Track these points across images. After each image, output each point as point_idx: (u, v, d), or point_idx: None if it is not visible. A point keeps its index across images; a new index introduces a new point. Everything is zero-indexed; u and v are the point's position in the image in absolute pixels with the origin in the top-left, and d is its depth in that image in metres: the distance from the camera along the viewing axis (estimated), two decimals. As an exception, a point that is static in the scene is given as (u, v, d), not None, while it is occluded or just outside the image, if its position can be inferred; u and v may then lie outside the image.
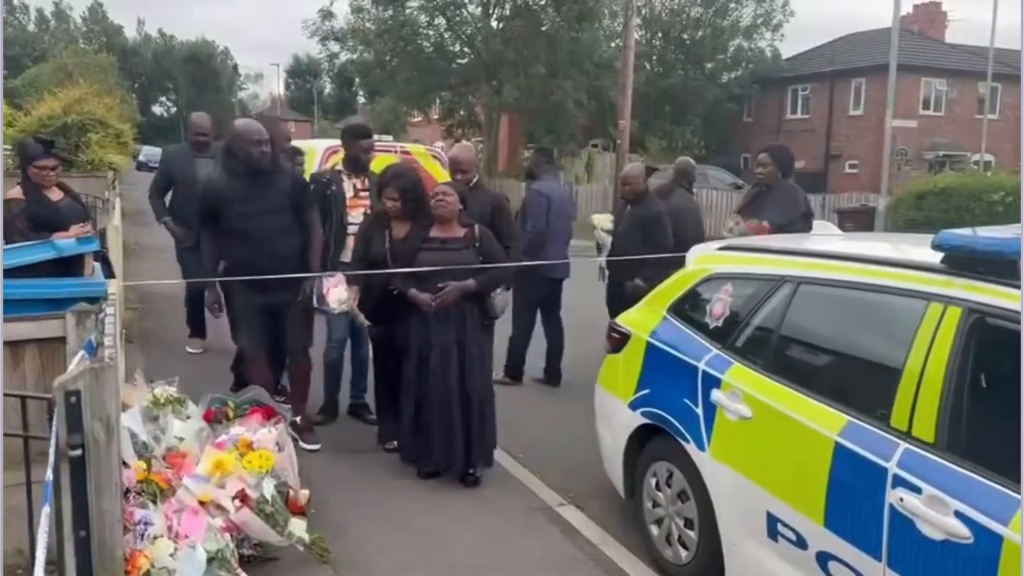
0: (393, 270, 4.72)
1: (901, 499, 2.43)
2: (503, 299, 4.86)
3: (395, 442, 4.83)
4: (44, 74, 34.69)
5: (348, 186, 5.22)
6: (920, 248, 2.87)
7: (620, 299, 6.15)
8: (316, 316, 5.15)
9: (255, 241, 4.65)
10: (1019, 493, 2.16)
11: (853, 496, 2.62)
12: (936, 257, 2.66)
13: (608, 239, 6.41)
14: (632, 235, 6.05)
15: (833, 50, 32.51)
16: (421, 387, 4.50)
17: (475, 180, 5.41)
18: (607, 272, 6.39)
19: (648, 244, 5.90)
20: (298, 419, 4.79)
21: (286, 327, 4.86)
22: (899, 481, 2.46)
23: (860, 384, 2.89)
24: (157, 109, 74.06)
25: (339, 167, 5.40)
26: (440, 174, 7.63)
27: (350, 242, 5.03)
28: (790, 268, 3.31)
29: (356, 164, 5.27)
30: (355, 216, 5.14)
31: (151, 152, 40.24)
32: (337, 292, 4.71)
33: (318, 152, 8.51)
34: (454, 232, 4.60)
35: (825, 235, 3.98)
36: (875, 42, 29.44)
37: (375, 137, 5.80)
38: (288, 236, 4.77)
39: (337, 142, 6.66)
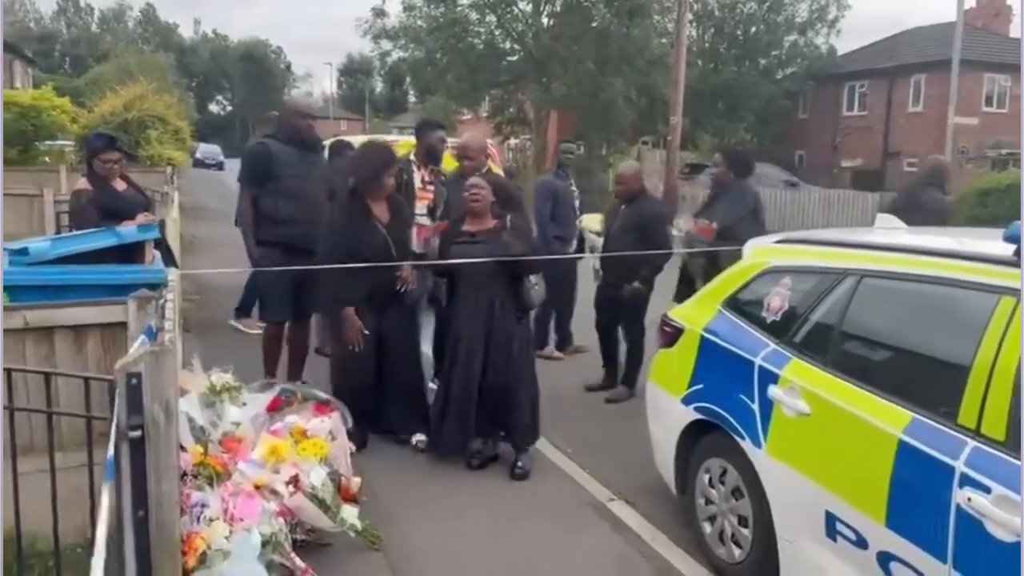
0: (423, 262, 4.78)
1: (968, 499, 2.35)
2: (538, 292, 4.80)
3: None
4: (106, 73, 35.66)
5: (417, 177, 5.28)
6: (989, 241, 2.77)
7: (610, 300, 6.07)
8: None
9: (306, 203, 4.91)
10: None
11: (917, 495, 2.54)
12: (1008, 250, 2.57)
13: (598, 240, 6.30)
14: (626, 235, 5.88)
15: (891, 46, 31.62)
16: (449, 376, 4.58)
17: (485, 169, 5.40)
18: (601, 273, 6.23)
19: (646, 244, 5.72)
20: None
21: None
22: (967, 480, 2.38)
23: (925, 380, 2.79)
24: (213, 107, 75.67)
25: (411, 157, 5.40)
26: (493, 169, 7.65)
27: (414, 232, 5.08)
28: (853, 261, 3.22)
29: (431, 154, 5.35)
30: (419, 208, 5.18)
31: (208, 149, 41.20)
32: None
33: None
34: (486, 225, 4.61)
35: (889, 228, 3.86)
36: (935, 37, 28.59)
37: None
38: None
39: (391, 138, 6.81)
